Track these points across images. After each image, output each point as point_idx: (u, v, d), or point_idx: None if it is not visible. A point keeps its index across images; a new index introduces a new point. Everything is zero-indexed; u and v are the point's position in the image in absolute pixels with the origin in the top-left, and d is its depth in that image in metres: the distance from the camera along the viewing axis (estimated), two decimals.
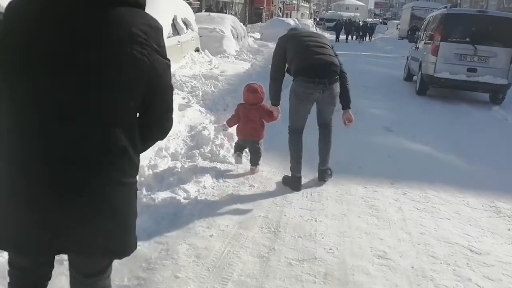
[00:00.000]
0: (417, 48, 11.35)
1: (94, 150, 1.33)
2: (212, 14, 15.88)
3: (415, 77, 11.73)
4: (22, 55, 1.29)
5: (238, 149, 4.51)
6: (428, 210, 3.87)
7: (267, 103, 4.51)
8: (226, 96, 7.41)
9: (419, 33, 11.90)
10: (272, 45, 19.38)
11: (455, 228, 3.55)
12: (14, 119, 1.33)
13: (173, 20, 9.76)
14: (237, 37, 15.14)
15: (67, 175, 1.32)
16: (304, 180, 4.25)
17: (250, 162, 4.50)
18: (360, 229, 3.41)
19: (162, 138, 1.60)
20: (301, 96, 3.99)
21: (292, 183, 4.14)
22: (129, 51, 1.31)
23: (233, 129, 4.80)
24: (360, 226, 3.47)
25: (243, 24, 36.35)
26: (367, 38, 36.57)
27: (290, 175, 4.20)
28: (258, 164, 4.50)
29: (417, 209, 3.88)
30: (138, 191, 1.56)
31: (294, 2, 68.05)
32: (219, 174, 4.30)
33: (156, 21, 1.42)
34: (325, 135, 4.29)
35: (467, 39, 9.37)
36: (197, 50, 11.36)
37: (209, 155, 4.75)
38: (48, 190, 1.32)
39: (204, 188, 3.96)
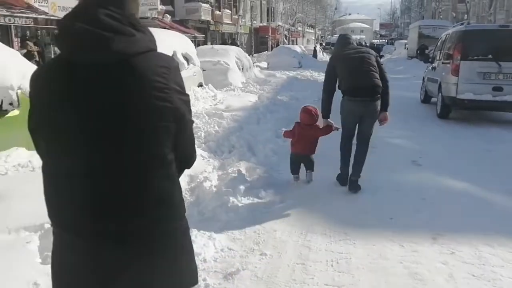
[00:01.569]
0: (434, 68, 10.62)
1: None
2: (215, 46, 15.44)
3: (433, 99, 11.01)
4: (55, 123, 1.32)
5: (294, 165, 5.07)
6: (487, 276, 3.06)
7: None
8: (232, 136, 6.72)
9: (434, 52, 11.21)
10: (280, 74, 19.00)
11: None
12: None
13: (172, 56, 9.22)
14: (242, 69, 14.62)
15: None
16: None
17: (306, 170, 5.05)
18: None
19: (188, 168, 1.60)
20: (347, 110, 4.68)
21: (340, 180, 4.94)
22: (152, 100, 1.32)
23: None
24: None
25: (249, 54, 36.39)
26: None
27: (340, 173, 4.95)
28: (313, 170, 5.04)
29: (473, 276, 3.07)
30: None
31: (299, 29, 68.26)
32: (223, 240, 3.56)
33: (172, 59, 1.43)
34: (362, 148, 4.80)
35: (490, 56, 8.63)
36: (200, 85, 10.80)
37: (212, 213, 4.03)
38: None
39: (204, 261, 3.22)
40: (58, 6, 16.75)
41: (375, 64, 4.59)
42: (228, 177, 4.78)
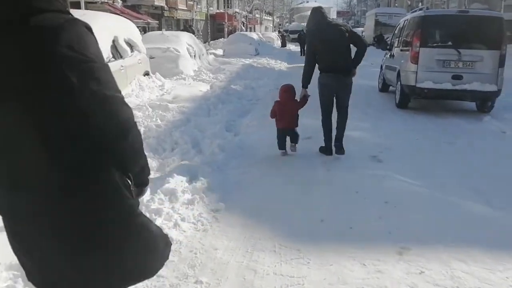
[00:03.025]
0: (392, 56, 10.24)
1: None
2: (165, 32, 14.53)
3: (391, 88, 10.67)
4: None
5: (281, 140, 5.49)
6: None
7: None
8: (175, 131, 6.03)
9: (392, 39, 10.83)
10: (235, 61, 18.27)
11: None
12: None
13: (113, 42, 8.37)
14: (195, 56, 13.82)
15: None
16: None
17: (291, 142, 5.53)
18: None
19: None
20: (323, 83, 5.31)
21: (324, 151, 5.49)
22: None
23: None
24: None
25: (206, 41, 35.38)
26: None
27: (324, 145, 5.51)
28: (297, 143, 5.54)
29: None
30: None
31: (257, 16, 67.38)
32: None
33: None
34: (342, 115, 5.44)
35: (450, 43, 8.29)
36: (146, 74, 9.98)
37: None
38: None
39: None
40: None
41: (347, 43, 5.23)
42: (164, 182, 4.11)
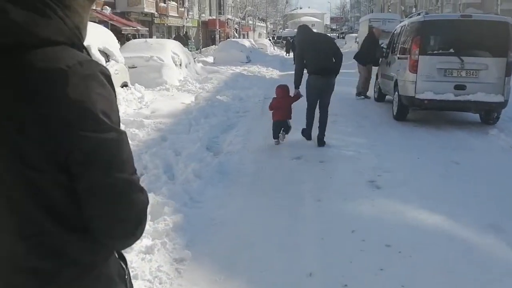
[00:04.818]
0: (388, 63, 9.58)
1: None
2: (149, 40, 13.82)
3: (387, 97, 10.02)
4: None
5: (275, 131, 6.32)
6: None
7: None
8: (146, 153, 5.30)
9: (388, 45, 10.16)
10: (225, 69, 17.55)
11: None
12: None
13: (85, 51, 7.63)
14: (180, 65, 13.11)
15: None
16: None
17: (283, 133, 6.34)
18: None
19: None
20: (312, 85, 6.19)
21: (305, 135, 6.43)
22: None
23: None
24: None
25: (197, 49, 34.72)
26: None
27: (306, 129, 6.43)
28: (288, 133, 6.39)
29: None
30: None
31: (250, 22, 66.92)
32: None
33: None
34: (323, 114, 6.29)
35: (452, 50, 7.62)
36: (125, 85, 9.27)
37: None
38: None
39: None
40: None
41: (331, 51, 6.22)
42: None
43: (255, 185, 4.79)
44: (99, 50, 8.15)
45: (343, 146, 6.37)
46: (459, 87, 7.55)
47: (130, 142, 4.15)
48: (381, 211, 3.99)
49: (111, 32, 9.63)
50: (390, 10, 51.37)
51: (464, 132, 7.45)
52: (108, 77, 0.97)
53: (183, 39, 33.43)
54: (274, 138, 6.33)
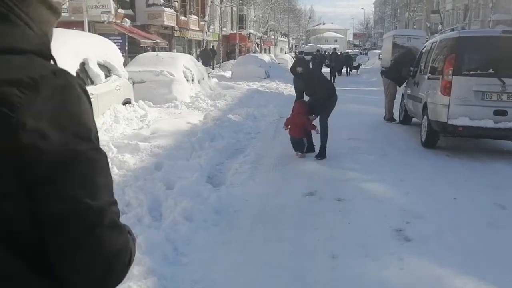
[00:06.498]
0: (416, 83, 8.67)
1: None
2: (160, 53, 13.20)
3: (414, 119, 9.11)
4: None
5: (293, 145, 6.63)
6: None
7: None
8: (132, 186, 4.52)
9: (416, 63, 9.25)
10: (241, 85, 16.84)
11: None
12: None
13: (82, 65, 7.02)
14: (193, 80, 12.44)
15: None
16: None
17: (298, 152, 6.61)
18: None
19: None
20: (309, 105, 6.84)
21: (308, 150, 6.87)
22: None
23: None
24: None
25: (218, 63, 34.27)
26: (347, 71, 33.06)
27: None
28: (302, 152, 6.59)
29: None
30: None
31: (272, 37, 66.50)
32: None
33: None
34: (323, 129, 6.61)
35: (491, 71, 6.70)
36: (127, 102, 8.58)
37: None
38: None
39: None
40: None
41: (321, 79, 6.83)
42: None
43: (256, 231, 3.95)
44: (98, 64, 7.49)
45: (364, 180, 5.49)
46: (500, 113, 6.60)
47: (116, 171, 3.25)
48: (412, 277, 3.10)
49: (113, 44, 8.99)
50: (415, 27, 50.34)
51: (505, 164, 6.47)
52: (84, 89, 0.84)
53: (209, 53, 33.12)
54: (295, 150, 6.58)
